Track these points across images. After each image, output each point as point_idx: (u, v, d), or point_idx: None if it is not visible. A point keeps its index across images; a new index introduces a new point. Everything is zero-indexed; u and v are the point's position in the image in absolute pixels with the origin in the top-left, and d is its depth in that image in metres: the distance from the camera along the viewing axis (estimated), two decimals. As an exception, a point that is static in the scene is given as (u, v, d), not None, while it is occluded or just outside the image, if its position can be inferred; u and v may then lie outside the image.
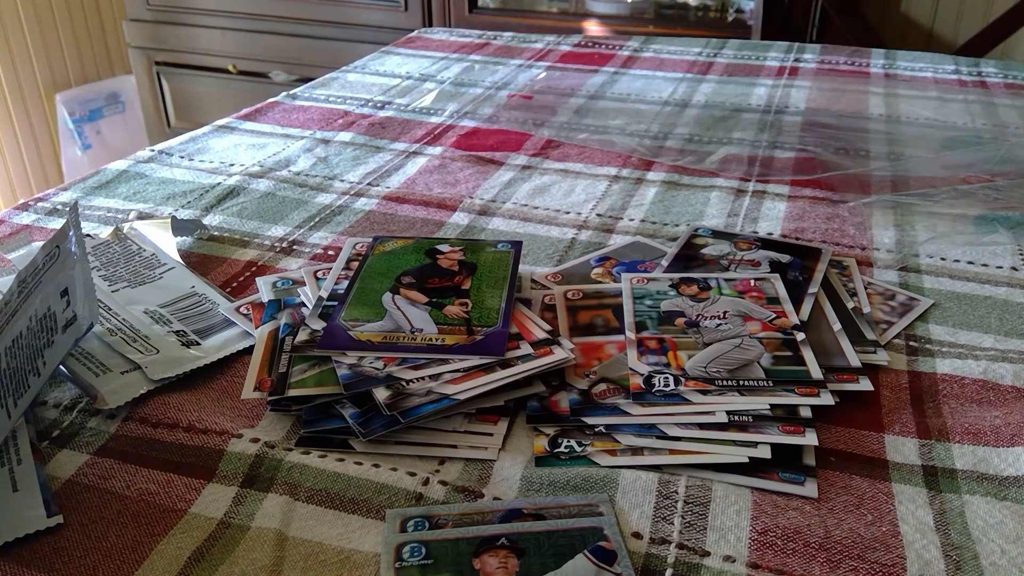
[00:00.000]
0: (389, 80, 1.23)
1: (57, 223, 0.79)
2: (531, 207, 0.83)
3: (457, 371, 0.54)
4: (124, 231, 0.75)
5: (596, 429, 0.53)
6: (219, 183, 0.88)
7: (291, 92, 1.17)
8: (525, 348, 0.57)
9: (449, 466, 0.50)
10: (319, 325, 0.59)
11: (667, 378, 0.55)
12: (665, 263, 0.71)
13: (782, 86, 1.21)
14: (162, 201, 0.84)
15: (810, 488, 0.49)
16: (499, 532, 0.45)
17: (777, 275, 0.68)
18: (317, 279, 0.67)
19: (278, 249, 0.75)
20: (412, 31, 1.55)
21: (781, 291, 0.65)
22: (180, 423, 0.53)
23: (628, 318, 0.62)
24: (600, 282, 0.69)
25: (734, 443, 0.51)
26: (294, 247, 0.75)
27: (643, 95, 1.17)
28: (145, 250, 0.72)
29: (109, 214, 0.81)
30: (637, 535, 0.46)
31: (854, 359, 0.59)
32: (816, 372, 0.56)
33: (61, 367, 0.57)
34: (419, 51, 1.39)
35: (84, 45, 2.36)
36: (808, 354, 0.58)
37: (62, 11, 2.29)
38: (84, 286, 0.57)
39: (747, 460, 0.50)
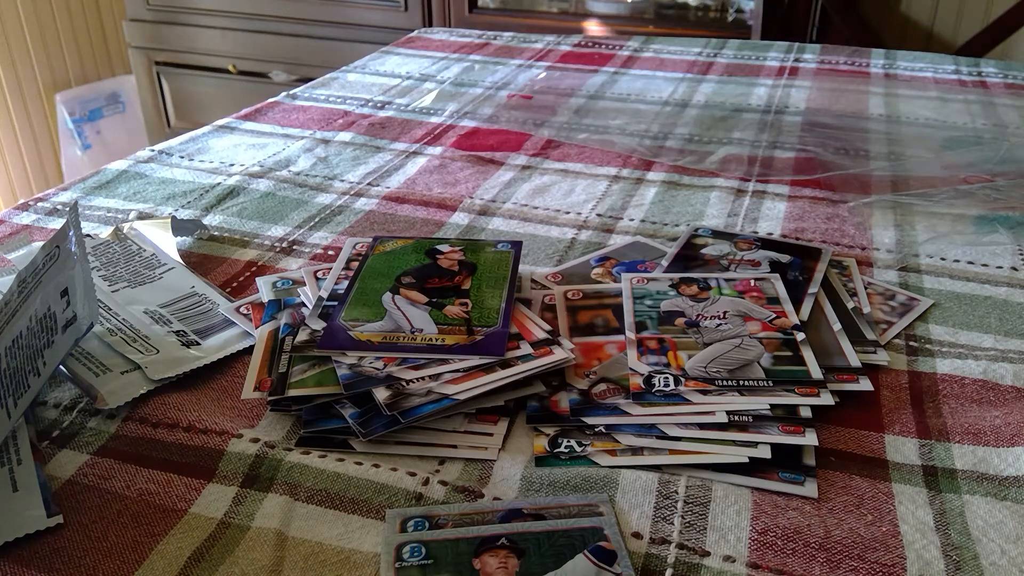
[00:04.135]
0: (389, 80, 1.23)
1: (57, 223, 0.79)
2: (531, 207, 0.83)
3: (457, 371, 0.54)
4: (124, 231, 0.75)
5: (596, 429, 0.52)
6: (219, 183, 0.88)
7: (291, 92, 1.17)
8: (525, 348, 0.57)
9: (449, 466, 0.50)
10: (319, 325, 0.59)
11: (667, 378, 0.55)
12: (665, 263, 0.71)
13: (782, 86, 1.21)
14: (162, 201, 0.84)
15: (810, 488, 0.49)
16: (499, 532, 0.45)
17: (777, 275, 0.68)
18: (317, 279, 0.67)
19: (278, 249, 0.75)
20: (412, 31, 1.55)
21: (781, 291, 0.65)
22: (180, 423, 0.53)
23: (628, 318, 0.62)
24: (600, 282, 0.69)
25: (734, 443, 0.51)
26: (294, 247, 0.75)
27: (643, 95, 1.17)
28: (145, 250, 0.72)
29: (109, 214, 0.81)
30: (637, 535, 0.46)
31: (854, 359, 0.59)
32: (816, 372, 0.56)
33: (61, 367, 0.57)
34: (419, 51, 1.39)
35: (84, 45, 2.36)
36: (808, 354, 0.58)
37: (62, 11, 2.29)
38: (84, 286, 0.57)
39: (747, 460, 0.50)
